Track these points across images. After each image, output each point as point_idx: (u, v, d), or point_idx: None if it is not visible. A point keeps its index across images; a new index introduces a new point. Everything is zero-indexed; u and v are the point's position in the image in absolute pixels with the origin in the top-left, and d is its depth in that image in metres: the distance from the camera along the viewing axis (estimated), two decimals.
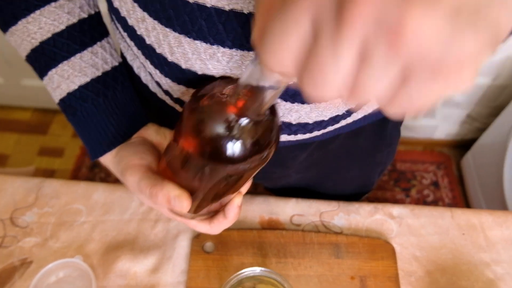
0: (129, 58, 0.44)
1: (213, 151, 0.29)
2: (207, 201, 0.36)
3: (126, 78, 0.41)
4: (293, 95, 0.36)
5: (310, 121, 0.40)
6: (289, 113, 0.39)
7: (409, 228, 0.59)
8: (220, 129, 0.29)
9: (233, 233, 0.58)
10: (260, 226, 0.60)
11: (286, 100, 0.37)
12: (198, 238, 0.58)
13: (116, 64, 0.41)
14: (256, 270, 0.44)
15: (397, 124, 0.55)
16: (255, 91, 0.26)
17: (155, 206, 0.39)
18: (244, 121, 0.29)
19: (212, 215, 0.40)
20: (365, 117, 0.46)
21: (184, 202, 0.33)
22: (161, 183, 0.33)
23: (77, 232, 0.59)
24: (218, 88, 0.31)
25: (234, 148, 0.29)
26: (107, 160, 0.40)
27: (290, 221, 0.60)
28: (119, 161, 0.38)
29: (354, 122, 0.46)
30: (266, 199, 0.63)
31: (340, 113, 0.40)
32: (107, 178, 1.52)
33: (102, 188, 0.63)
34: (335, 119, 0.41)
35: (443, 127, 1.50)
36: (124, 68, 0.41)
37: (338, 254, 0.57)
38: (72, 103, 0.39)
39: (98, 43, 0.39)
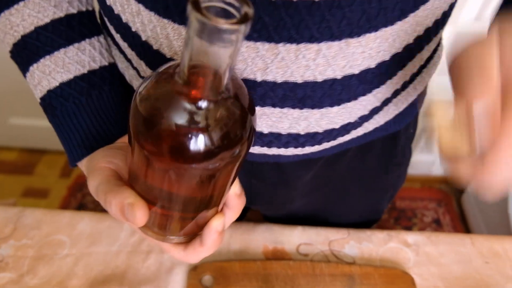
0: (120, 66, 0.40)
1: (170, 147, 0.24)
2: (176, 217, 0.31)
3: (116, 78, 0.37)
4: (302, 98, 0.33)
5: (320, 130, 0.36)
6: (297, 122, 0.35)
7: (428, 256, 0.54)
8: (174, 118, 0.23)
9: (234, 265, 0.52)
10: (264, 257, 0.54)
11: (294, 107, 0.33)
12: (195, 271, 0.52)
13: (106, 63, 0.37)
14: None
15: (409, 140, 0.52)
16: (206, 57, 0.21)
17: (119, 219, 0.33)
18: (202, 103, 0.23)
19: (189, 239, 0.34)
20: (376, 129, 0.43)
21: (137, 212, 0.27)
22: (117, 189, 0.28)
23: (57, 267, 0.53)
24: (163, 71, 0.25)
25: (195, 138, 0.23)
26: (83, 165, 0.35)
27: (296, 251, 0.55)
28: (89, 165, 0.34)
29: (365, 135, 0.43)
30: (269, 227, 0.57)
31: (352, 120, 0.37)
32: None
33: (89, 218, 0.57)
34: (346, 128, 0.38)
35: (440, 162, 1.48)
36: (115, 69, 0.38)
37: (352, 287, 0.51)
38: (53, 102, 0.35)
39: (87, 40, 0.36)
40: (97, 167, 0.31)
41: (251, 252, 0.55)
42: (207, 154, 0.24)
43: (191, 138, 0.23)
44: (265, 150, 0.39)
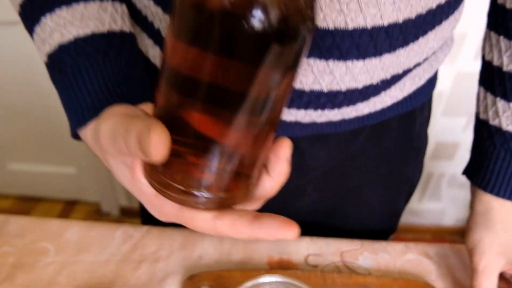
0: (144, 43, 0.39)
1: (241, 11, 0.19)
2: (212, 162, 0.23)
3: (135, 46, 0.35)
4: (329, 48, 0.31)
5: (343, 88, 0.34)
6: (321, 76, 0.33)
7: (452, 269, 0.48)
8: None
9: (235, 274, 0.46)
10: (269, 267, 0.49)
11: (320, 58, 0.32)
12: (191, 280, 0.46)
13: (127, 30, 0.35)
14: (273, 279, 0.33)
15: (424, 125, 0.49)
16: None
17: (134, 175, 0.27)
18: None
19: (220, 202, 0.26)
20: (393, 105, 0.41)
21: (153, 135, 0.21)
22: (141, 117, 0.24)
23: (38, 275, 0.47)
24: None
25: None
26: (88, 132, 0.32)
27: (305, 262, 0.49)
28: (97, 122, 0.28)
29: (382, 110, 0.41)
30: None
31: (374, 82, 0.35)
32: None
33: (78, 226, 0.53)
34: (367, 92, 0.36)
35: (450, 211, 1.42)
36: (135, 39, 0.36)
37: None
38: (63, 57, 0.31)
39: (110, 1, 0.34)
40: (110, 112, 0.27)
41: (254, 263, 0.49)
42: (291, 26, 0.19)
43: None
44: (284, 113, 0.37)
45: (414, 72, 0.40)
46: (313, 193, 0.49)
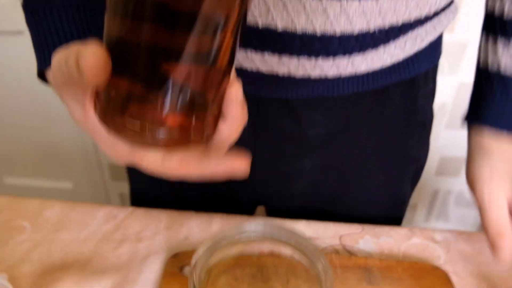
0: None
1: None
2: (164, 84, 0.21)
3: None
4: None
5: (338, 31, 0.32)
6: (314, 15, 0.31)
7: (462, 254, 0.44)
8: None
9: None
10: (260, 255, 0.45)
11: None
12: (176, 258, 0.42)
13: None
14: (258, 226, 0.29)
15: (429, 99, 0.46)
16: None
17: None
18: None
19: (174, 138, 0.24)
20: (394, 67, 0.39)
21: (91, 49, 0.20)
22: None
23: (10, 251, 0.43)
24: None
25: None
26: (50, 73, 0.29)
27: None
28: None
29: (382, 73, 0.38)
30: (267, 220, 0.49)
31: (370, 28, 0.33)
32: None
33: (59, 206, 0.49)
34: (364, 41, 0.34)
35: None
36: None
37: (370, 280, 0.41)
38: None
39: None
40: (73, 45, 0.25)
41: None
42: None
43: None
44: (275, 62, 0.34)
45: (415, 31, 0.38)
46: (311, 172, 0.46)
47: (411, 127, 0.45)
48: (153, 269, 0.42)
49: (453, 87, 1.10)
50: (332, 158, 0.45)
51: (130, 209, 0.49)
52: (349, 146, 0.44)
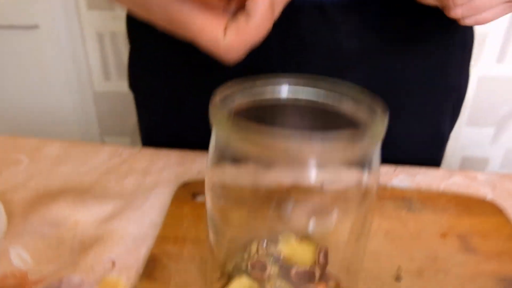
0: None
1: None
2: None
3: None
4: None
5: None
6: None
7: (511, 193, 0.39)
8: None
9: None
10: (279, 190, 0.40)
11: None
12: (185, 188, 0.37)
13: None
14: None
15: None
16: None
17: None
18: None
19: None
20: None
21: None
22: None
23: (4, 179, 0.39)
24: None
25: None
26: None
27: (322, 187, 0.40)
28: None
29: None
30: None
31: None
32: None
33: (60, 144, 0.45)
34: None
35: None
36: None
37: (410, 207, 0.35)
38: None
39: None
40: None
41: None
42: None
43: None
44: None
45: None
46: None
47: (450, 46, 0.41)
48: (161, 197, 0.37)
49: (473, 81, 1.07)
50: (367, 80, 0.40)
51: (138, 148, 0.45)
52: (386, 66, 0.40)
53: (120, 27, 1.15)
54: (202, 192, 0.37)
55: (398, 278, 0.28)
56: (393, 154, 0.45)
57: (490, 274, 0.29)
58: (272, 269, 0.26)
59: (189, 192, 0.36)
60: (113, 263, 0.30)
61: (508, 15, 0.36)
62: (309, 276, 0.25)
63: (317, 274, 0.26)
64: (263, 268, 0.26)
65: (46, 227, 0.33)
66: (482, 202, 0.36)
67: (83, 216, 0.34)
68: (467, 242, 0.31)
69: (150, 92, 0.50)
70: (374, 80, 0.41)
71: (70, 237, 0.32)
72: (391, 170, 0.42)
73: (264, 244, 0.28)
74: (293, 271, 0.26)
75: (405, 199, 0.36)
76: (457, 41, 0.42)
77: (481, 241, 0.32)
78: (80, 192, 0.37)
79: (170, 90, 0.47)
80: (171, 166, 0.42)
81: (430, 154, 0.46)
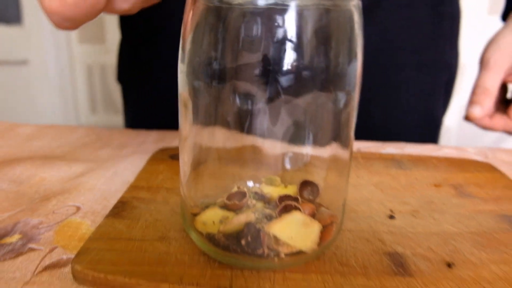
0: None
1: None
2: None
3: None
4: None
5: None
6: None
7: (505, 162, 0.37)
8: None
9: None
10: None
11: None
12: (165, 150, 0.35)
13: None
14: None
15: None
16: None
17: None
18: None
19: None
20: None
21: None
22: None
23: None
24: None
25: None
26: None
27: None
28: None
29: None
30: None
31: None
32: None
33: (35, 125, 0.43)
34: None
35: None
36: None
37: (400, 166, 0.33)
38: None
39: None
40: None
41: None
42: None
43: None
44: None
45: None
46: None
47: (440, 18, 0.42)
48: (136, 161, 0.34)
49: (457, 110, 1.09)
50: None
51: (116, 129, 0.43)
52: (378, 31, 0.40)
53: (110, 60, 1.16)
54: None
55: (391, 217, 0.26)
56: (387, 134, 0.44)
57: (489, 213, 0.26)
58: (251, 199, 0.24)
59: (167, 154, 0.34)
60: (78, 208, 0.27)
61: None
62: (293, 199, 0.23)
63: (301, 201, 0.23)
64: (242, 196, 0.23)
65: (6, 183, 0.30)
66: (476, 162, 0.35)
67: (49, 175, 0.31)
68: (462, 190, 0.29)
69: (137, 84, 0.49)
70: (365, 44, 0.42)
71: (32, 192, 0.29)
72: (379, 144, 0.41)
73: (247, 184, 0.26)
74: (277, 197, 0.23)
75: (395, 160, 0.35)
76: (446, 12, 0.43)
77: (477, 189, 0.30)
78: (50, 158, 0.35)
79: (158, 82, 0.47)
80: (150, 142, 0.40)
81: (425, 137, 0.45)
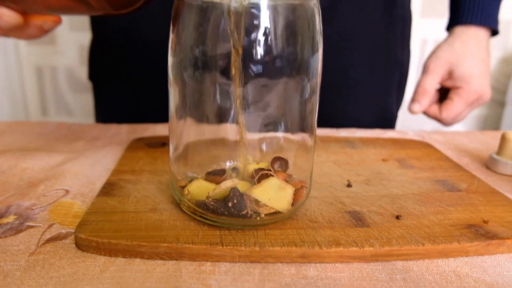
0: None
1: None
2: None
3: None
4: None
5: None
6: None
7: (438, 142, 0.44)
8: None
9: None
10: None
11: None
12: (142, 139, 0.38)
13: None
14: None
15: None
16: None
17: None
18: None
19: None
20: None
21: None
22: None
23: None
24: None
25: None
26: None
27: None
28: None
29: None
30: None
31: None
32: None
33: (2, 123, 0.44)
34: None
35: None
36: None
37: (353, 146, 0.38)
38: None
39: None
40: None
41: None
42: None
43: None
44: None
45: None
46: None
47: (392, 21, 0.48)
48: (113, 150, 0.36)
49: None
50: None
51: (87, 124, 0.45)
52: (336, 31, 0.45)
53: (61, 61, 1.14)
54: (157, 145, 0.37)
55: (349, 185, 0.30)
56: (347, 122, 0.49)
57: (426, 179, 0.32)
58: (230, 174, 0.27)
59: (143, 143, 0.37)
60: (67, 191, 0.29)
61: None
62: (267, 171, 0.26)
63: (274, 171, 0.27)
64: (221, 172, 0.27)
65: None
66: (415, 141, 0.40)
67: (31, 165, 0.33)
68: (405, 163, 0.35)
69: (108, 82, 0.50)
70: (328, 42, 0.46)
71: (16, 180, 0.30)
72: (334, 130, 0.45)
73: (226, 163, 0.29)
74: (253, 169, 0.27)
75: (348, 141, 0.39)
76: (398, 15, 0.49)
77: (416, 162, 0.35)
78: (27, 150, 0.36)
79: (129, 80, 0.48)
80: (123, 134, 0.42)
81: (382, 125, 0.51)
